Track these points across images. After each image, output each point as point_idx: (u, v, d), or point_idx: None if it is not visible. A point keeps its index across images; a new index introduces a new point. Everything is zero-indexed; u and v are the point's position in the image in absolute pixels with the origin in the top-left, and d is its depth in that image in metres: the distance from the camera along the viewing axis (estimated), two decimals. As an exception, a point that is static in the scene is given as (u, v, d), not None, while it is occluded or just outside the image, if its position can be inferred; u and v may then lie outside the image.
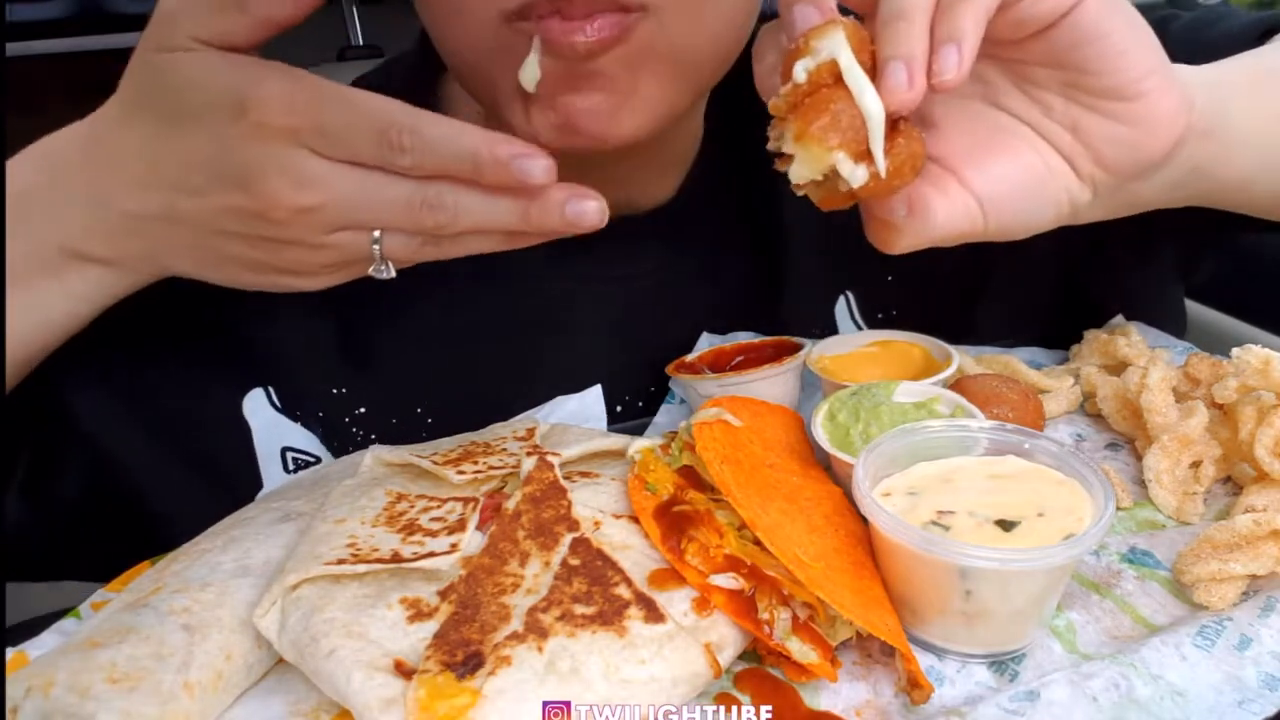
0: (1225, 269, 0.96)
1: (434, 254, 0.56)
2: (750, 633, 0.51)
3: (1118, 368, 0.78)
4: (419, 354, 0.82)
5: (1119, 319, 0.87)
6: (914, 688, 0.50)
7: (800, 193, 0.53)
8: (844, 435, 0.64)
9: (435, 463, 0.64)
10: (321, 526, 0.56)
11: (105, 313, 0.63)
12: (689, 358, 0.81)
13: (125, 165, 0.55)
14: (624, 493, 0.60)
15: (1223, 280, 0.99)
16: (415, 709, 0.43)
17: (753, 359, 0.80)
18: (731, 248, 0.89)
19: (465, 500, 0.59)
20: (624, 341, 0.85)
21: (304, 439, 0.81)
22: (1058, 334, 0.89)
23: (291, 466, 0.80)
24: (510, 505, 0.57)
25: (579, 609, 0.50)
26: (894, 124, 0.49)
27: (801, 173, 0.50)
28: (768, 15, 0.65)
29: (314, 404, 0.81)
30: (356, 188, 0.52)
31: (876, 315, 0.91)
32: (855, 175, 0.49)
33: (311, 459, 0.81)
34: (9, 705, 0.44)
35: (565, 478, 0.60)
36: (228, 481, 0.77)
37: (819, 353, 0.78)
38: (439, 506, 0.58)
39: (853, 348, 0.80)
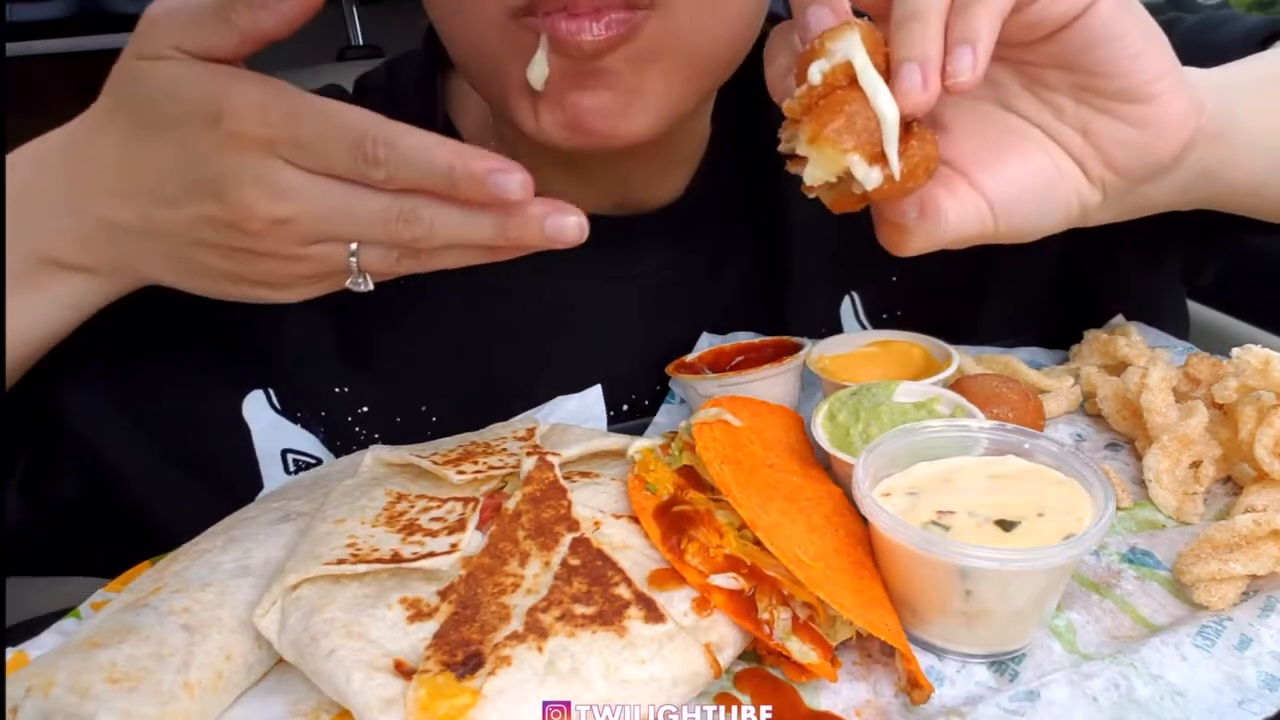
0: (1226, 269, 0.96)
1: (412, 267, 0.56)
2: (750, 633, 0.51)
3: (1118, 368, 0.78)
4: (421, 353, 0.82)
5: (1119, 319, 0.87)
6: (914, 688, 0.50)
7: (812, 195, 0.52)
8: (844, 435, 0.64)
9: (435, 463, 0.64)
10: (321, 526, 0.56)
11: (103, 314, 0.63)
12: (689, 358, 0.82)
13: (102, 173, 0.55)
14: (624, 493, 0.60)
15: (1223, 280, 0.99)
16: (415, 709, 0.43)
17: (753, 359, 0.80)
18: (737, 247, 0.89)
19: (465, 500, 0.59)
20: (627, 341, 0.85)
21: (305, 440, 0.81)
22: (1058, 334, 0.89)
23: (292, 468, 0.80)
24: (510, 505, 0.57)
25: (579, 609, 0.50)
26: (907, 126, 0.49)
27: (816, 175, 0.50)
28: (775, 16, 0.65)
29: (316, 404, 0.81)
30: (331, 200, 0.52)
31: (881, 316, 0.91)
32: (869, 177, 0.49)
33: (312, 460, 0.81)
34: (9, 705, 0.44)
35: (565, 478, 0.60)
36: (228, 482, 0.77)
37: (819, 353, 0.78)
38: (439, 506, 0.58)
39: (852, 348, 0.80)
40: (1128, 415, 0.73)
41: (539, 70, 0.60)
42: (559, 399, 0.83)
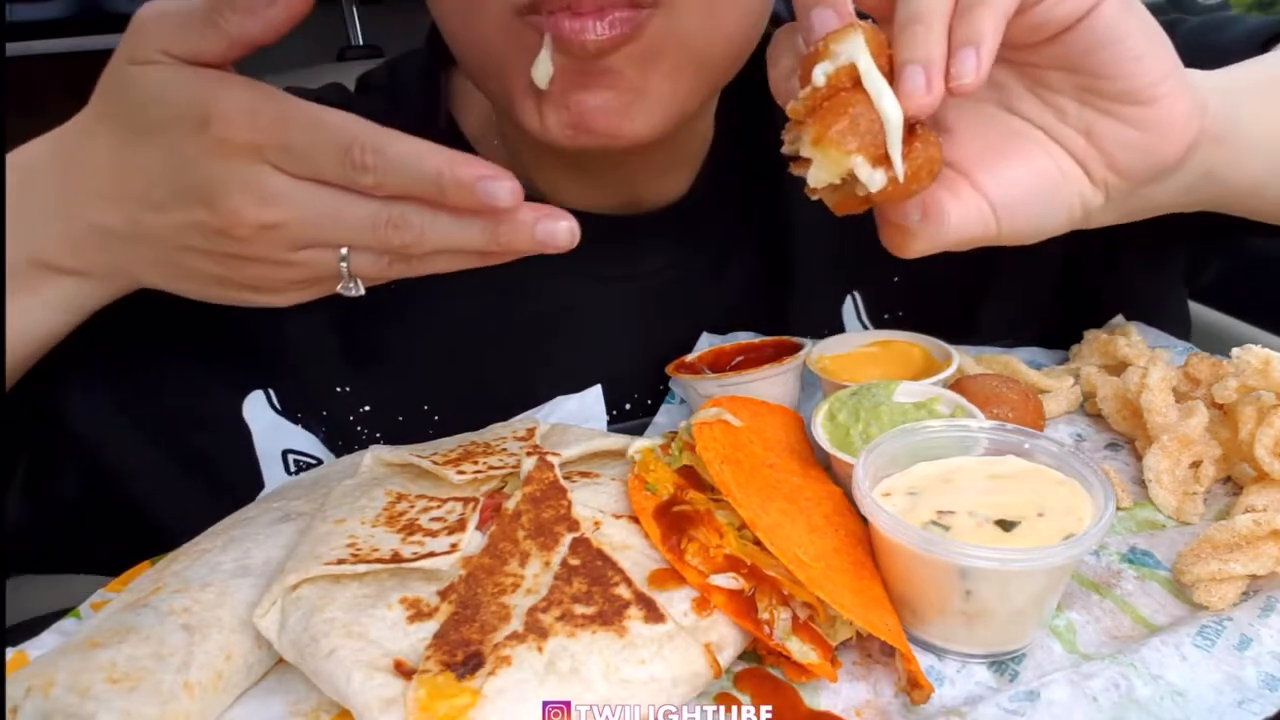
0: (1227, 270, 0.96)
1: (404, 272, 0.56)
2: (750, 633, 0.51)
3: (1118, 368, 0.78)
4: (423, 352, 0.82)
5: (1119, 319, 0.87)
6: (914, 688, 0.50)
7: (815, 197, 0.52)
8: (844, 435, 0.64)
9: (435, 463, 0.64)
10: (321, 526, 0.56)
11: (103, 315, 0.63)
12: (689, 358, 0.82)
13: (92, 177, 0.55)
14: (624, 493, 0.60)
15: (1223, 280, 0.99)
16: (415, 709, 0.43)
17: (753, 359, 0.80)
18: (740, 247, 0.89)
19: (465, 500, 0.59)
20: (628, 341, 0.85)
21: (305, 441, 0.81)
22: (1058, 334, 0.89)
23: (293, 469, 0.80)
24: (510, 505, 0.57)
25: (579, 609, 0.50)
26: (911, 128, 0.49)
27: (819, 176, 0.50)
28: (778, 18, 0.65)
29: (317, 403, 0.81)
30: (320, 205, 0.51)
31: (883, 316, 0.91)
32: (873, 179, 0.49)
33: (313, 460, 0.81)
34: (9, 705, 0.44)
35: (565, 478, 0.60)
36: (228, 483, 0.77)
37: (819, 353, 0.78)
38: (439, 506, 0.58)
39: (852, 348, 0.80)
40: (1128, 415, 0.73)
41: (543, 69, 0.60)
42: (559, 399, 0.83)
